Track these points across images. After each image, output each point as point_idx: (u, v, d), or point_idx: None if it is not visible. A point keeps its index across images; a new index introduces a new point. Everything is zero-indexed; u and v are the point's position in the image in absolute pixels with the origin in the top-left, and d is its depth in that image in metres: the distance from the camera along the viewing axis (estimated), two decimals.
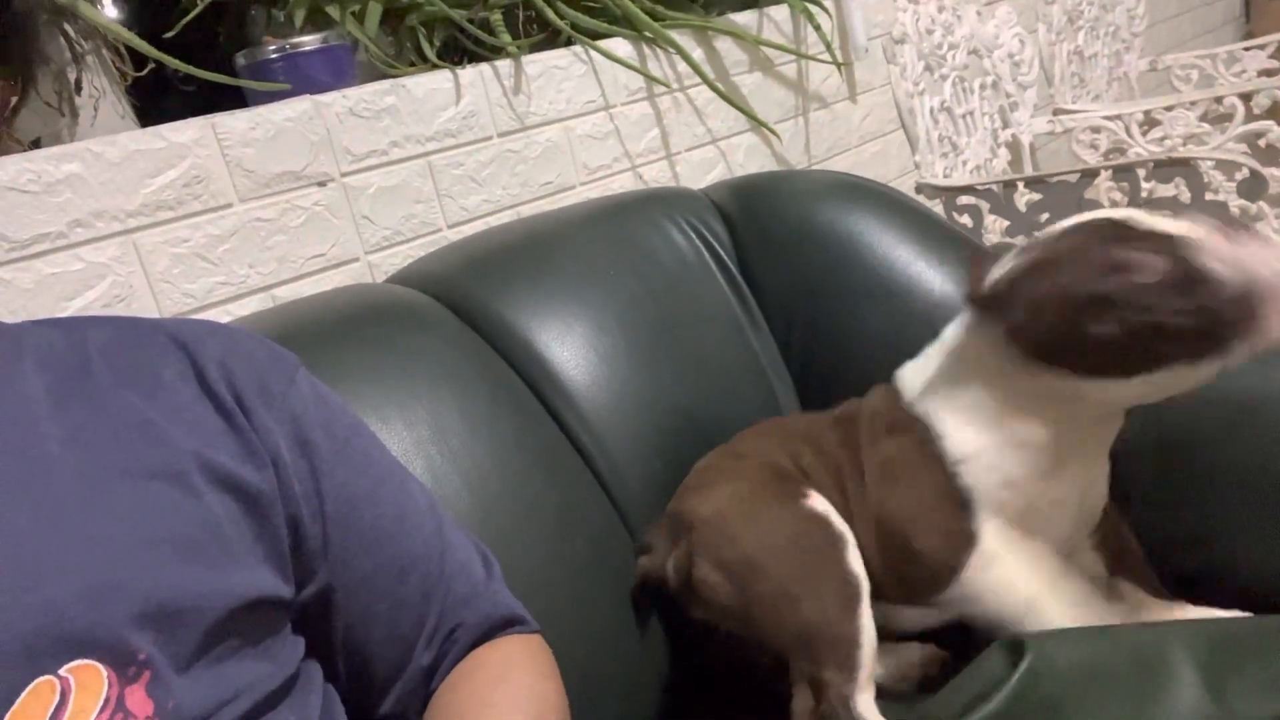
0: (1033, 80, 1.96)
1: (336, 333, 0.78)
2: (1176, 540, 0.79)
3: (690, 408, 0.91)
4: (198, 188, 0.89)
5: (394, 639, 0.56)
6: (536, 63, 1.19)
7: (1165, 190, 1.40)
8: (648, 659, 0.80)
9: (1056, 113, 2.02)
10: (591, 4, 1.28)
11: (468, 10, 1.15)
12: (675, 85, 1.36)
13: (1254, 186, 1.38)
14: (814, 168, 1.61)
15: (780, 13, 1.55)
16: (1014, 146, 1.92)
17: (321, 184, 0.98)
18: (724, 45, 1.44)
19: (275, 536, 0.51)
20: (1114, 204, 1.44)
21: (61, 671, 0.40)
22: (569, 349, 0.88)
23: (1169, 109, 1.80)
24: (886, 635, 0.75)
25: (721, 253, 1.04)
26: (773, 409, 0.97)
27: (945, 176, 1.70)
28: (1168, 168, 1.38)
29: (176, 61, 0.93)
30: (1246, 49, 2.35)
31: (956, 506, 0.72)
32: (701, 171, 1.41)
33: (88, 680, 0.41)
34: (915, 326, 0.83)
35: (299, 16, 1.08)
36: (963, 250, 0.97)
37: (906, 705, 0.74)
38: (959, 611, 0.74)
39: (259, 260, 0.93)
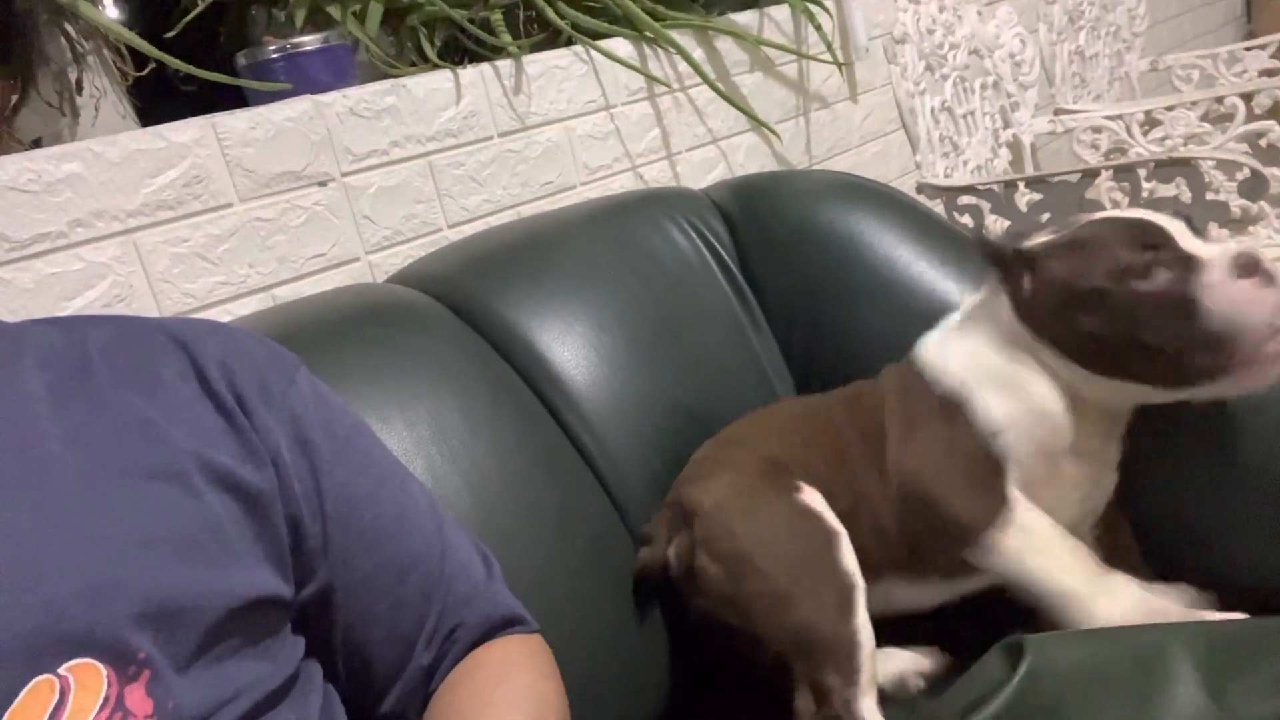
0: (1034, 80, 1.96)
1: (337, 332, 0.78)
2: (1176, 540, 0.79)
3: (691, 407, 0.91)
4: (198, 187, 0.89)
5: (394, 639, 0.56)
6: (537, 63, 1.19)
7: (1166, 190, 1.40)
8: (648, 659, 0.80)
9: (1057, 113, 2.02)
10: (592, 4, 1.28)
11: (468, 10, 1.15)
12: (676, 85, 1.36)
13: (1255, 186, 1.38)
14: (815, 168, 1.61)
15: (781, 13, 1.55)
16: (1015, 146, 1.92)
17: (322, 184, 0.98)
18: (725, 45, 1.44)
19: (275, 536, 0.51)
20: (1114, 204, 1.44)
21: (61, 670, 0.40)
22: (569, 349, 0.88)
23: (1170, 109, 1.80)
24: (885, 618, 0.75)
25: (722, 252, 1.04)
26: None
27: (946, 176, 1.70)
28: (1169, 168, 1.38)
29: (177, 61, 0.93)
30: (1248, 49, 2.35)
31: (988, 467, 0.73)
32: (702, 171, 1.41)
33: (87, 679, 0.41)
34: (916, 326, 0.83)
35: (299, 16, 1.08)
36: (963, 250, 0.97)
37: (908, 709, 0.74)
38: (975, 581, 0.75)
39: (259, 260, 0.93)
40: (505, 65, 1.15)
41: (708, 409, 0.91)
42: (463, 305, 0.87)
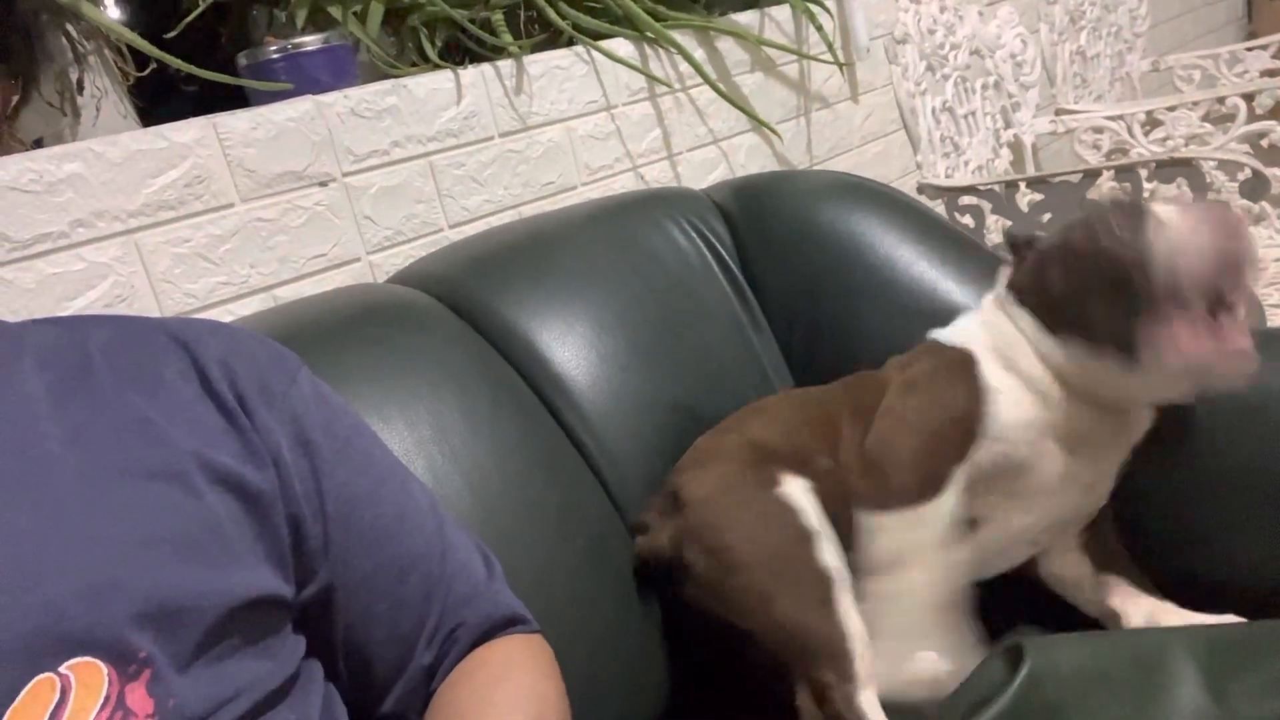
0: (1035, 80, 1.96)
1: (338, 333, 0.78)
2: (1176, 540, 0.79)
3: (691, 407, 0.91)
4: (199, 188, 0.89)
5: (395, 638, 0.56)
6: (538, 63, 1.19)
7: (1167, 190, 1.40)
8: (648, 658, 0.80)
9: (1059, 113, 2.02)
10: (593, 4, 1.28)
11: (469, 10, 1.15)
12: (677, 85, 1.36)
13: (1256, 187, 1.38)
14: (815, 168, 1.61)
15: (782, 13, 1.55)
16: (1016, 147, 1.92)
17: (323, 184, 0.98)
18: (725, 45, 1.44)
19: (276, 536, 0.51)
20: None
21: (62, 669, 0.40)
22: (570, 349, 0.88)
23: (1171, 109, 1.80)
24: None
25: (723, 253, 1.04)
26: None
27: (947, 177, 1.70)
28: (1170, 168, 1.38)
29: (178, 61, 0.93)
30: (1249, 49, 2.35)
31: (950, 446, 0.73)
32: (703, 172, 1.41)
33: (88, 678, 0.41)
34: (916, 326, 0.83)
35: (301, 17, 1.08)
36: (964, 251, 0.97)
37: (909, 712, 0.74)
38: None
39: (260, 260, 0.93)
40: (506, 65, 1.15)
41: (708, 409, 0.91)
42: (463, 305, 0.87)
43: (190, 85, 1.02)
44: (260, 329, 0.67)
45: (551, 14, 1.20)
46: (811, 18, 1.56)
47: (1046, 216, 1.49)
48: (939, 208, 1.61)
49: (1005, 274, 0.80)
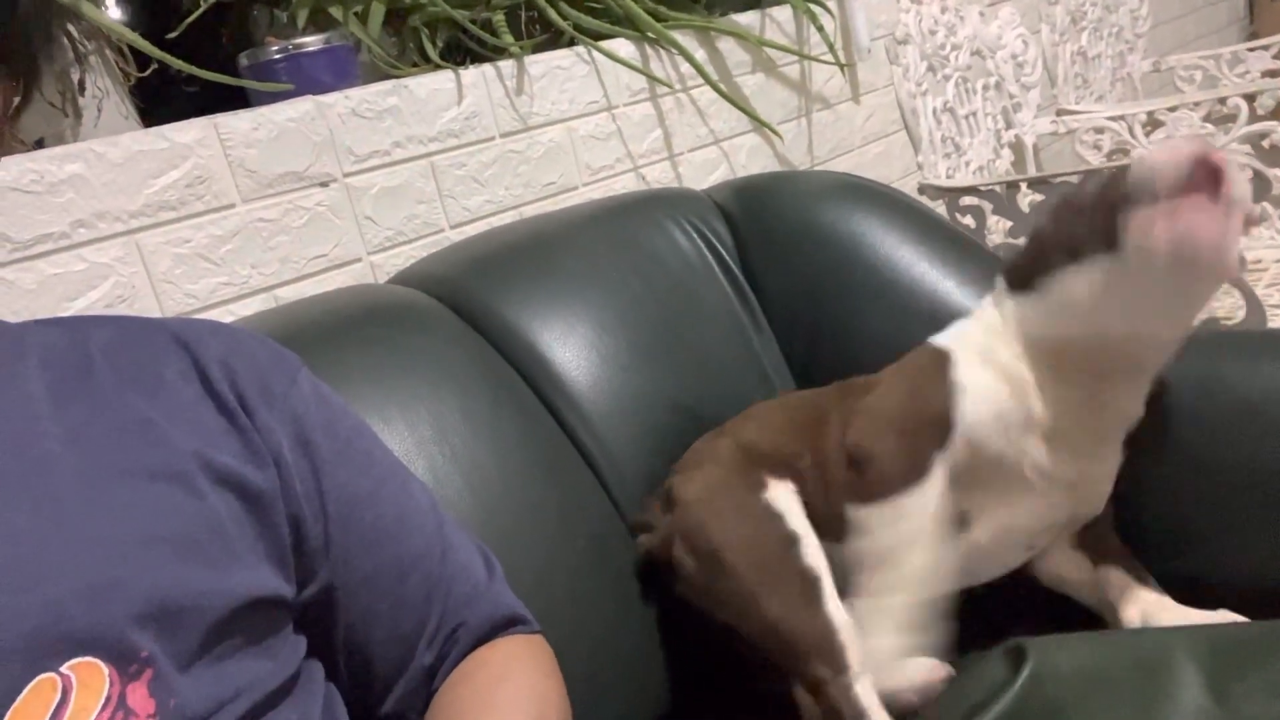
0: (1036, 81, 1.96)
1: (339, 333, 0.78)
2: (1176, 540, 0.79)
3: (692, 408, 0.91)
4: (200, 188, 0.89)
5: (395, 639, 0.56)
6: (539, 63, 1.19)
7: None
8: (649, 658, 0.80)
9: (1060, 113, 2.02)
10: (594, 4, 1.28)
11: (470, 11, 1.16)
12: (678, 86, 1.36)
13: (1258, 187, 1.38)
14: (816, 168, 1.61)
15: (783, 13, 1.55)
16: (1017, 147, 1.92)
17: (324, 184, 0.98)
18: (726, 46, 1.44)
19: (277, 536, 0.51)
20: None
21: (63, 669, 0.40)
22: (571, 349, 0.88)
23: (1172, 110, 1.80)
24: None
25: (724, 253, 1.04)
26: None
27: (948, 177, 1.70)
28: None
29: (179, 62, 0.94)
30: (1250, 50, 2.35)
31: (930, 433, 0.73)
32: (704, 172, 1.41)
33: (89, 678, 0.41)
34: (917, 327, 0.83)
35: (302, 17, 1.08)
36: (965, 251, 0.96)
37: (909, 713, 0.74)
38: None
39: (261, 261, 0.93)
40: (507, 66, 1.15)
41: (708, 409, 0.91)
42: (464, 306, 0.87)
43: (191, 86, 1.02)
44: (261, 329, 0.67)
45: (552, 14, 1.20)
46: (813, 18, 1.56)
47: None
48: (940, 208, 1.61)
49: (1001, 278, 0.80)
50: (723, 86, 1.39)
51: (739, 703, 0.80)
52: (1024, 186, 1.52)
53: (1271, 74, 2.27)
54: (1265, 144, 1.58)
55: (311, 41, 1.03)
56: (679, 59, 1.35)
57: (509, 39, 1.16)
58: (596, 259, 0.95)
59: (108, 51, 0.96)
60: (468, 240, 1.02)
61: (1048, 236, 0.72)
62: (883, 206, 1.01)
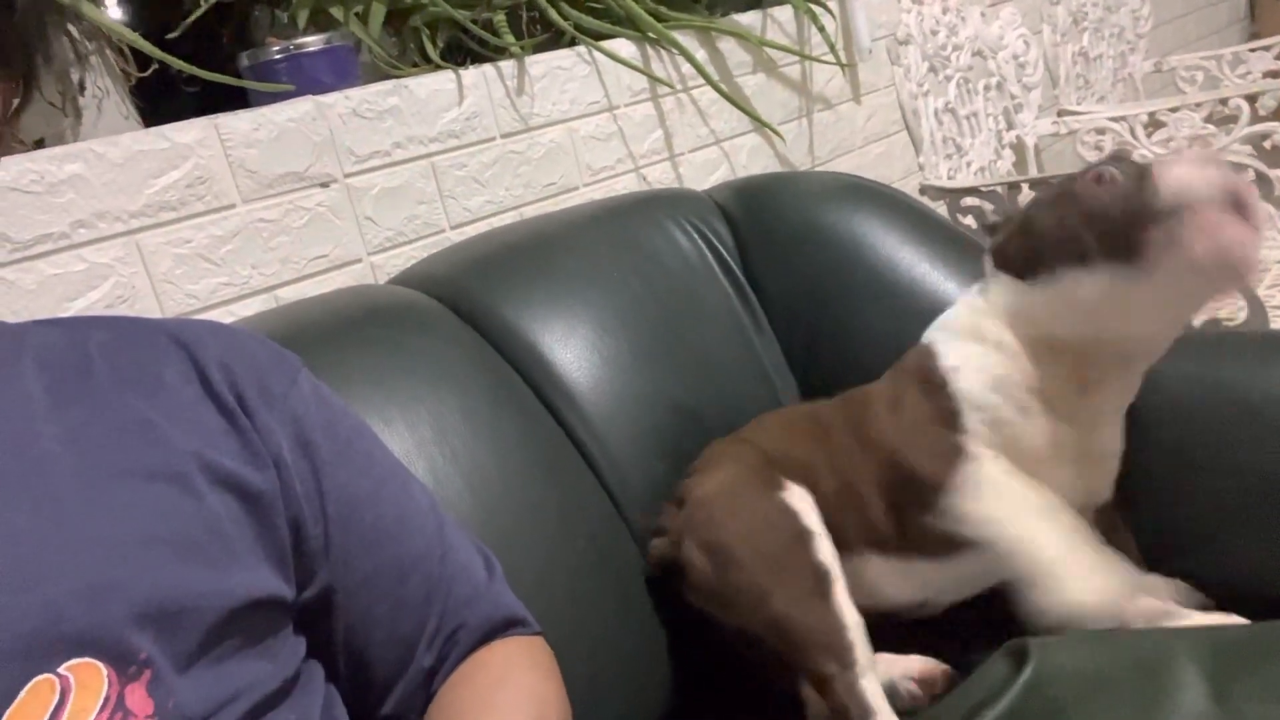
0: (1037, 81, 1.96)
1: (339, 334, 0.78)
2: (1176, 540, 0.79)
3: (692, 408, 0.91)
4: (201, 188, 0.89)
5: (395, 640, 0.56)
6: (540, 63, 1.19)
7: None
8: (650, 659, 0.80)
9: (1061, 114, 2.02)
10: (595, 5, 1.28)
11: (471, 11, 1.15)
12: (679, 86, 1.36)
13: (1259, 188, 1.37)
14: (817, 169, 1.61)
15: (784, 14, 1.55)
16: (1018, 148, 1.92)
17: (324, 185, 0.98)
18: (727, 46, 1.43)
19: (276, 537, 0.51)
20: None
21: (61, 670, 0.40)
22: (571, 350, 0.88)
23: (1174, 110, 1.79)
24: (878, 614, 0.75)
25: (725, 254, 1.04)
26: (775, 409, 0.97)
27: (949, 178, 1.70)
28: None
29: (180, 62, 0.94)
30: (1252, 50, 2.34)
31: (947, 422, 0.74)
32: (705, 173, 1.40)
33: (88, 679, 0.41)
34: (918, 328, 0.83)
35: (302, 17, 1.08)
36: (966, 252, 0.96)
37: (910, 713, 0.74)
38: (960, 565, 0.74)
39: (262, 261, 0.93)
40: (508, 66, 1.15)
41: (709, 410, 0.91)
42: (465, 306, 0.87)
43: (192, 86, 1.02)
44: (261, 330, 0.67)
45: (553, 14, 1.20)
46: (814, 18, 1.56)
47: None
48: (941, 209, 1.61)
49: (986, 253, 0.80)
50: (724, 87, 1.39)
51: (740, 703, 0.80)
52: (1025, 187, 1.51)
53: (1273, 74, 2.26)
54: (1267, 145, 1.58)
55: (312, 42, 1.03)
56: (680, 59, 1.35)
57: (510, 39, 1.16)
58: (597, 259, 0.95)
59: (108, 51, 0.96)
60: (468, 241, 1.01)
61: (1049, 233, 0.72)
62: (884, 207, 1.01)
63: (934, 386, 0.76)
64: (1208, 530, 0.78)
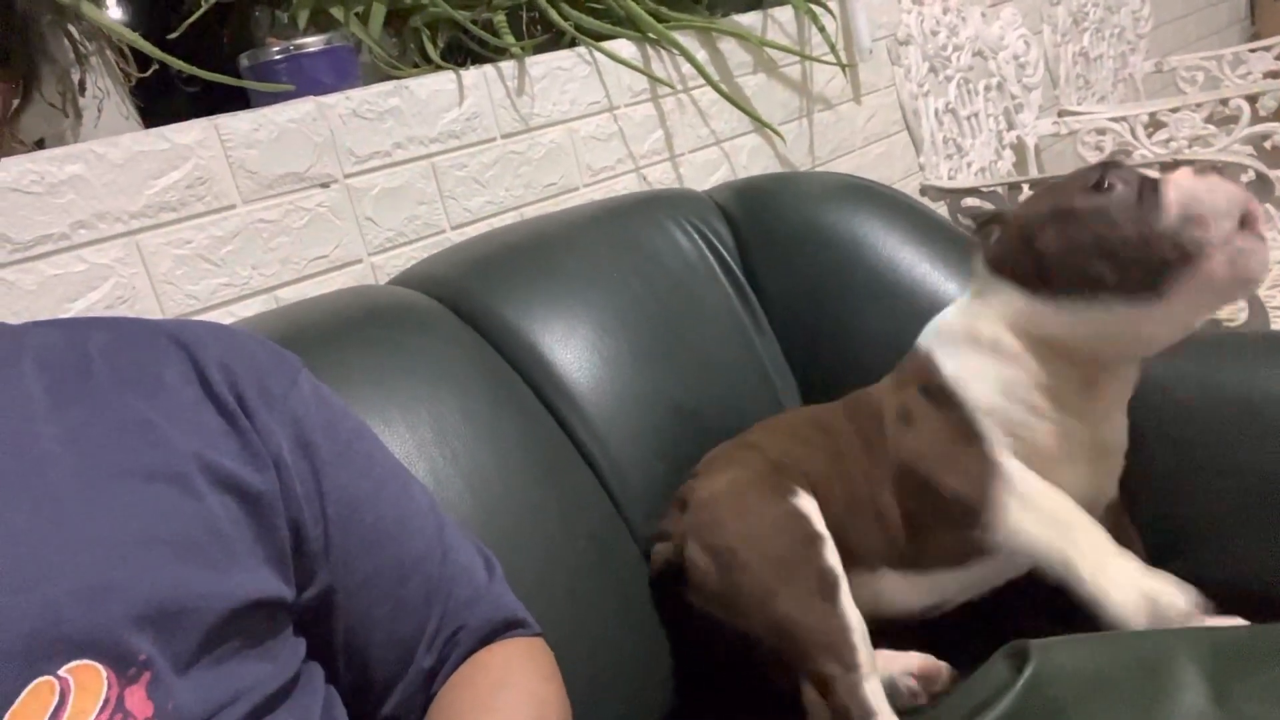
0: (1038, 82, 1.96)
1: (339, 334, 0.78)
2: (1176, 541, 0.79)
3: (693, 409, 0.91)
4: (201, 189, 0.89)
5: (395, 641, 0.56)
6: (540, 64, 1.19)
7: None
8: (650, 660, 0.80)
9: (1061, 114, 2.02)
10: (595, 5, 1.28)
11: (471, 11, 1.15)
12: (679, 86, 1.36)
13: (1260, 189, 1.37)
14: (818, 169, 1.61)
15: (784, 14, 1.55)
16: (1019, 148, 1.92)
17: (325, 185, 0.98)
18: (728, 46, 1.43)
19: (276, 538, 0.51)
20: None
21: (61, 672, 0.40)
22: (572, 350, 0.88)
23: (1174, 110, 1.80)
24: (883, 620, 0.75)
25: (725, 254, 1.03)
26: (775, 410, 0.97)
27: (950, 178, 1.70)
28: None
29: (180, 62, 0.94)
30: (1252, 50, 2.34)
31: (966, 435, 0.73)
32: (705, 173, 1.40)
33: (87, 681, 0.41)
34: (918, 328, 0.83)
35: (302, 18, 1.08)
36: (966, 253, 0.96)
37: (910, 713, 0.74)
38: (978, 572, 0.74)
39: (262, 262, 0.93)
40: (508, 66, 1.15)
41: (709, 410, 0.91)
42: (465, 307, 0.87)
43: (192, 86, 1.02)
44: (261, 331, 0.67)
45: (554, 15, 1.20)
46: (814, 19, 1.56)
47: None
48: (941, 209, 1.61)
49: (978, 254, 0.79)
50: (724, 87, 1.39)
51: (740, 703, 0.80)
52: (1026, 188, 1.51)
53: (1273, 75, 2.26)
54: (1267, 145, 1.58)
55: (312, 42, 1.03)
56: (680, 59, 1.35)
57: (510, 40, 1.16)
58: (597, 260, 0.95)
59: (108, 52, 0.96)
60: (469, 241, 1.01)
61: (1056, 254, 0.70)
62: (884, 208, 1.01)
63: (941, 398, 0.75)
64: (1208, 530, 0.77)
